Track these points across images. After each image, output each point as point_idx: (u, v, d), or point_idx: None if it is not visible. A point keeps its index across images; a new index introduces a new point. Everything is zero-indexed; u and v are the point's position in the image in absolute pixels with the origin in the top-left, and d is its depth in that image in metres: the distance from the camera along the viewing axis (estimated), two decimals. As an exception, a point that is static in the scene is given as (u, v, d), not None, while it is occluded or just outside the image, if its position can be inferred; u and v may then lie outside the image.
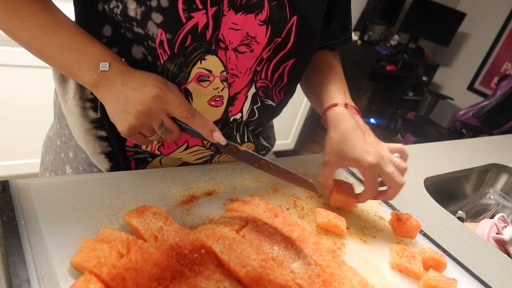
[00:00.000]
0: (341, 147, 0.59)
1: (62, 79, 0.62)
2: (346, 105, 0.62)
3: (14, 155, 1.67)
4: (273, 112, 0.71)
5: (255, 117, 0.67)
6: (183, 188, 0.59)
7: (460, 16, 3.65)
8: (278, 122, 2.79)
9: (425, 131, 3.14)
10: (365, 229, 0.64)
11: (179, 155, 0.64)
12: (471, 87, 4.01)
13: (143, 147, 0.61)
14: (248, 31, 0.54)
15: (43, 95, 1.59)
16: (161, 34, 0.50)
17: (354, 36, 3.40)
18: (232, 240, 0.46)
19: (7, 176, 1.67)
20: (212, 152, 0.66)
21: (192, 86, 0.55)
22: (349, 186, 0.64)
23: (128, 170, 0.63)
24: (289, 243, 0.50)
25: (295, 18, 0.57)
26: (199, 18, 0.50)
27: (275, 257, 0.47)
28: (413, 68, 3.80)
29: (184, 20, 0.49)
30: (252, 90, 0.63)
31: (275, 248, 0.48)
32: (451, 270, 0.60)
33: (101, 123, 0.59)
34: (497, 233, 0.78)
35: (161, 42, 0.51)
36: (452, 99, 3.86)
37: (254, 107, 0.65)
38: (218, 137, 0.50)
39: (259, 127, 0.73)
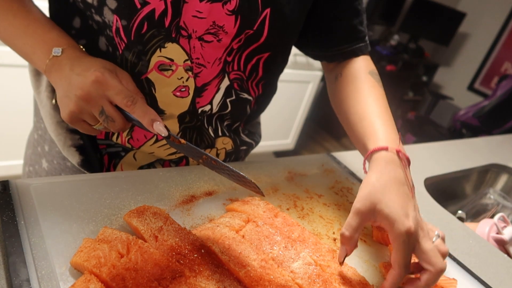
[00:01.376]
0: (379, 198, 0.47)
1: (36, 72, 0.60)
2: (398, 153, 0.51)
3: (14, 155, 1.67)
4: (252, 107, 0.68)
5: (228, 111, 0.64)
6: (183, 188, 0.59)
7: (460, 16, 3.64)
8: (278, 122, 2.76)
9: (425, 131, 3.14)
10: (365, 229, 0.64)
11: (150, 149, 0.62)
12: (471, 87, 4.01)
13: (114, 139, 0.59)
14: (215, 20, 0.52)
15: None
16: (117, 20, 0.49)
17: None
18: (232, 240, 0.46)
19: (7, 176, 1.67)
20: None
21: (153, 75, 0.53)
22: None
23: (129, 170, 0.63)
24: (289, 243, 0.50)
25: (268, 10, 0.53)
26: (156, 4, 0.48)
27: (275, 257, 0.47)
28: (413, 68, 3.80)
29: (138, 6, 0.48)
30: (226, 82, 0.60)
31: (275, 248, 0.48)
32: (451, 270, 0.60)
33: None
34: (497, 233, 0.78)
35: (117, 30, 0.49)
36: (452, 99, 3.86)
37: (227, 100, 0.62)
38: (158, 128, 0.47)
39: (236, 121, 0.69)
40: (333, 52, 0.66)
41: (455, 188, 1.17)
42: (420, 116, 3.55)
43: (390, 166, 0.50)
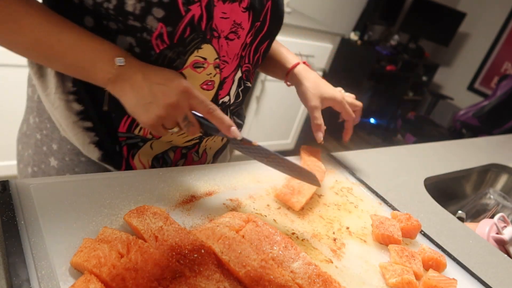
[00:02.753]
0: (319, 91, 0.74)
1: (40, 74, 0.61)
2: (305, 63, 0.77)
3: (14, 155, 1.66)
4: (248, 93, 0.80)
5: (239, 100, 0.72)
6: (183, 188, 0.59)
7: (460, 16, 3.64)
8: (278, 122, 2.77)
9: (425, 131, 3.14)
10: (365, 229, 0.64)
11: (169, 138, 0.65)
12: (471, 87, 4.01)
13: (136, 131, 0.62)
14: (235, 18, 0.58)
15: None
16: (161, 27, 0.51)
17: (354, 36, 3.40)
18: (232, 240, 0.46)
19: (7, 176, 1.67)
20: (201, 135, 0.67)
21: (187, 71, 0.57)
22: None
23: (130, 170, 0.64)
24: (289, 243, 0.50)
25: (269, 3, 0.62)
26: (195, 10, 0.52)
27: (275, 257, 0.47)
28: (413, 68, 3.80)
29: (183, 13, 0.51)
30: (238, 74, 0.66)
31: (275, 248, 0.48)
32: (451, 270, 0.60)
33: (86, 114, 0.60)
34: (497, 233, 0.78)
35: (160, 35, 0.52)
36: (452, 99, 3.86)
37: (239, 90, 0.69)
38: (235, 132, 0.54)
39: (237, 107, 0.75)
40: None
41: (455, 188, 1.17)
42: (420, 116, 3.56)
43: (309, 71, 0.76)
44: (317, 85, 0.74)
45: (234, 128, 0.54)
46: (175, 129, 0.55)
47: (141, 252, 0.40)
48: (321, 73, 2.43)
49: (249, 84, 0.72)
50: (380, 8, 3.31)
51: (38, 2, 0.49)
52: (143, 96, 0.51)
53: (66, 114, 0.59)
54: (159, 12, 0.50)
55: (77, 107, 0.60)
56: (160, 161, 0.68)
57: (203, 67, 0.58)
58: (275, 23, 0.67)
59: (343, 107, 0.75)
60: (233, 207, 0.58)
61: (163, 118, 0.52)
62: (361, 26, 3.42)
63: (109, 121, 0.60)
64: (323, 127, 0.74)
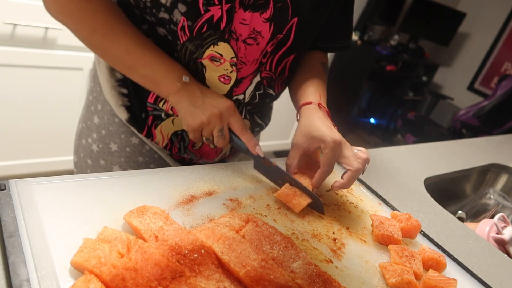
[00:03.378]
0: (308, 129, 0.65)
1: None
2: (319, 105, 0.71)
3: (14, 155, 1.67)
4: (272, 100, 0.81)
5: (256, 101, 0.76)
6: (183, 188, 0.59)
7: (460, 16, 3.64)
8: (278, 122, 2.77)
9: (425, 131, 3.14)
10: (365, 229, 0.64)
11: None
12: (471, 87, 4.01)
13: (160, 105, 0.71)
14: (255, 26, 0.63)
15: (44, 96, 1.59)
16: (184, 20, 0.60)
17: (354, 36, 3.40)
18: (232, 240, 0.46)
19: (7, 176, 1.67)
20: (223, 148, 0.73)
21: (205, 61, 0.65)
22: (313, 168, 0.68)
23: (150, 137, 0.72)
24: (289, 243, 0.50)
25: (295, 19, 0.65)
26: (215, 11, 0.60)
27: (275, 257, 0.47)
28: (413, 68, 3.80)
29: (202, 12, 0.59)
30: (257, 78, 0.71)
31: (275, 248, 0.48)
32: (451, 270, 0.60)
33: (124, 82, 0.71)
34: (497, 233, 0.78)
35: (183, 27, 0.61)
36: (452, 99, 3.85)
37: (257, 93, 0.73)
38: (259, 150, 0.65)
39: (255, 108, 0.81)
40: (325, 45, 0.80)
41: (455, 188, 1.17)
42: (420, 116, 3.55)
43: (314, 111, 0.68)
44: (311, 124, 0.66)
45: (259, 147, 0.65)
46: (209, 138, 0.64)
47: (141, 252, 0.40)
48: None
49: (271, 92, 0.75)
50: (380, 8, 3.31)
51: (128, 20, 0.62)
52: (196, 104, 0.62)
53: (108, 79, 0.71)
54: (182, 7, 0.59)
55: (118, 75, 0.71)
56: (179, 137, 0.74)
57: (219, 61, 0.65)
58: (302, 39, 0.69)
59: (327, 152, 0.62)
60: (233, 207, 0.58)
61: (204, 125, 0.62)
62: (361, 26, 3.42)
63: (141, 91, 0.70)
64: (293, 169, 0.67)
